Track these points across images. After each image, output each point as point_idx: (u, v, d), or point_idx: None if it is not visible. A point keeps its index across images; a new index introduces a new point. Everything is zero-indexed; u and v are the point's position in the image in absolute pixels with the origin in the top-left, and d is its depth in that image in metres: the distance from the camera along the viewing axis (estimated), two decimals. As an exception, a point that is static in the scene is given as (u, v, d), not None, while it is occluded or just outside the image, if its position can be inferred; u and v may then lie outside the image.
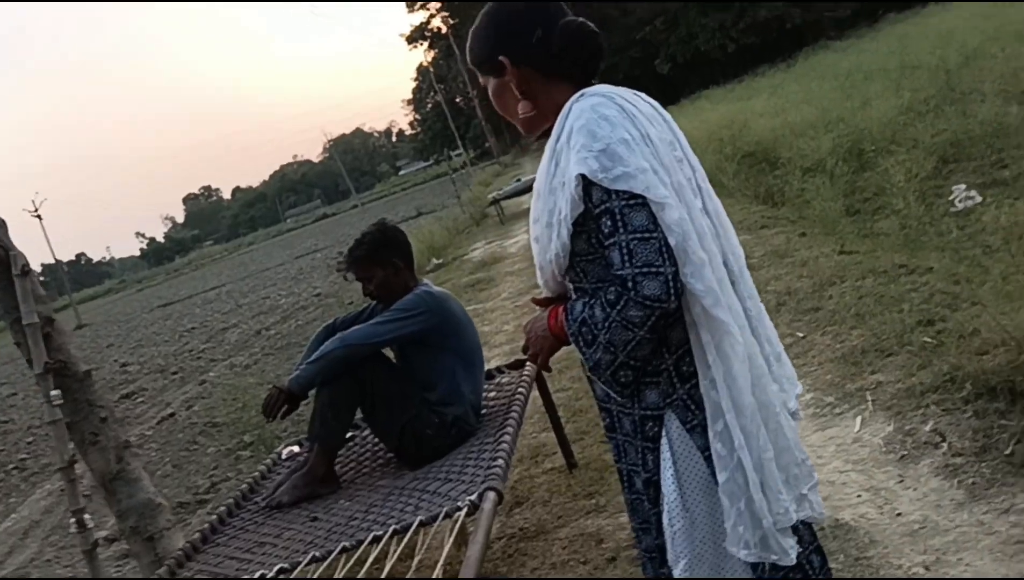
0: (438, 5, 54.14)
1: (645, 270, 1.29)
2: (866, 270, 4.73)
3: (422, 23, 56.03)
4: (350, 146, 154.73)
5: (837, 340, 3.91)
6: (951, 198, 6.20)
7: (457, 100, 64.53)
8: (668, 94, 42.73)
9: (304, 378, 2.92)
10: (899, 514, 2.45)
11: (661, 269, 1.30)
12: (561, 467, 3.65)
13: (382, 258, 3.09)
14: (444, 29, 53.65)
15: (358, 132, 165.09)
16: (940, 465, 2.60)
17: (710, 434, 1.40)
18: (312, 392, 2.98)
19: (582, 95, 1.43)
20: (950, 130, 7.80)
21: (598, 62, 1.53)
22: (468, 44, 1.59)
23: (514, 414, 2.91)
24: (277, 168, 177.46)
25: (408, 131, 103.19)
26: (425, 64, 65.99)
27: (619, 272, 1.32)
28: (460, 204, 22.39)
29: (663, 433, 1.44)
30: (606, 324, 1.35)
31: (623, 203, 1.32)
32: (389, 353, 3.17)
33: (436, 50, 57.66)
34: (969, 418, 2.75)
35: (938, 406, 2.91)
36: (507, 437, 2.68)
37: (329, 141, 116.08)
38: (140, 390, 11.46)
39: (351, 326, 3.17)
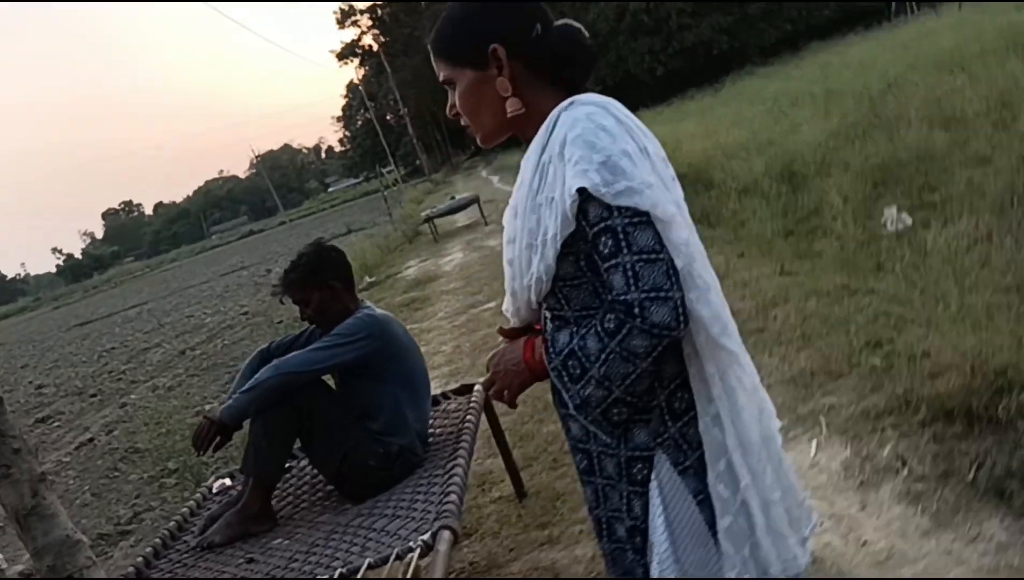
0: (369, 23, 53.81)
1: (653, 295, 1.16)
2: (809, 291, 4.74)
3: (353, 40, 55.76)
4: (278, 162, 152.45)
5: (785, 362, 3.88)
6: (883, 221, 6.31)
7: (388, 117, 64.18)
8: (599, 116, 43.28)
9: (237, 408, 2.72)
10: (864, 542, 2.38)
11: (670, 293, 1.17)
12: (510, 496, 3.51)
13: (320, 280, 2.91)
14: (375, 47, 53.34)
15: (286, 148, 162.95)
16: (902, 491, 2.55)
17: (710, 475, 1.28)
18: (246, 422, 2.79)
19: (572, 103, 1.29)
20: (878, 154, 7.97)
21: (590, 72, 1.40)
22: (438, 30, 1.40)
23: (464, 444, 2.76)
24: (202, 183, 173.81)
25: (338, 148, 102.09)
26: (355, 81, 65.57)
27: (623, 297, 1.18)
28: (392, 221, 22.12)
29: (653, 476, 1.31)
30: (602, 356, 1.21)
31: (627, 221, 1.19)
32: (329, 379, 2.99)
33: (367, 67, 57.33)
34: (927, 442, 2.71)
35: (894, 430, 2.88)
36: (459, 469, 2.53)
37: (257, 157, 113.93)
38: (56, 414, 10.91)
39: (287, 351, 2.99)
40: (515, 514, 3.35)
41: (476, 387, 3.32)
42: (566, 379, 1.27)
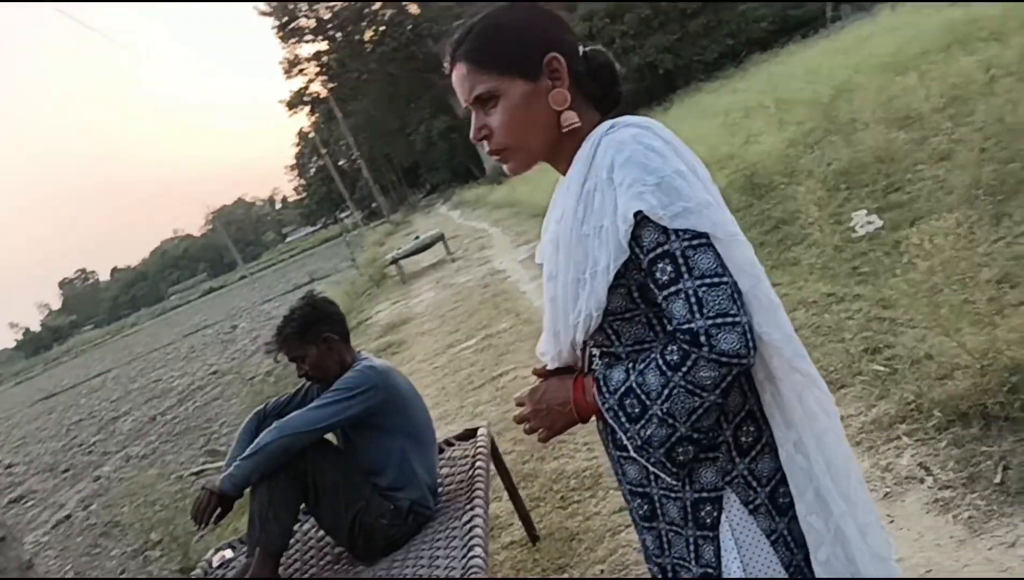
0: (316, 70, 53.80)
1: (719, 321, 1.10)
2: (795, 301, 4.73)
3: (301, 88, 55.46)
4: (233, 216, 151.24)
5: (783, 376, 3.83)
6: (852, 224, 6.35)
7: (341, 163, 64.03)
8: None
9: (239, 476, 2.60)
10: (900, 559, 2.32)
11: (737, 319, 1.10)
12: (523, 540, 3.40)
13: (315, 334, 2.82)
14: (323, 93, 53.28)
15: (240, 202, 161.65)
16: (928, 500, 2.50)
17: (799, 507, 1.22)
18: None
19: (613, 126, 1.23)
20: (839, 159, 8.06)
21: (619, 99, 1.35)
22: (478, 38, 1.28)
23: (479, 494, 2.66)
24: (157, 244, 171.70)
25: (293, 197, 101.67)
26: (306, 129, 65.38)
27: (687, 325, 1.11)
28: (356, 266, 21.94)
29: (723, 518, 1.23)
30: (665, 391, 1.14)
31: (686, 243, 1.13)
32: (331, 436, 2.88)
33: (317, 114, 57.18)
34: (947, 447, 2.67)
35: (910, 437, 2.84)
36: (478, 519, 2.44)
37: (211, 213, 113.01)
38: (29, 492, 10.58)
39: (283, 412, 2.88)
40: (531, 559, 3.24)
41: (480, 431, 3.22)
42: (623, 420, 1.20)
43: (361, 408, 2.68)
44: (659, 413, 1.16)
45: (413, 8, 51.41)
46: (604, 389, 1.23)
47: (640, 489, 1.33)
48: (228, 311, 32.79)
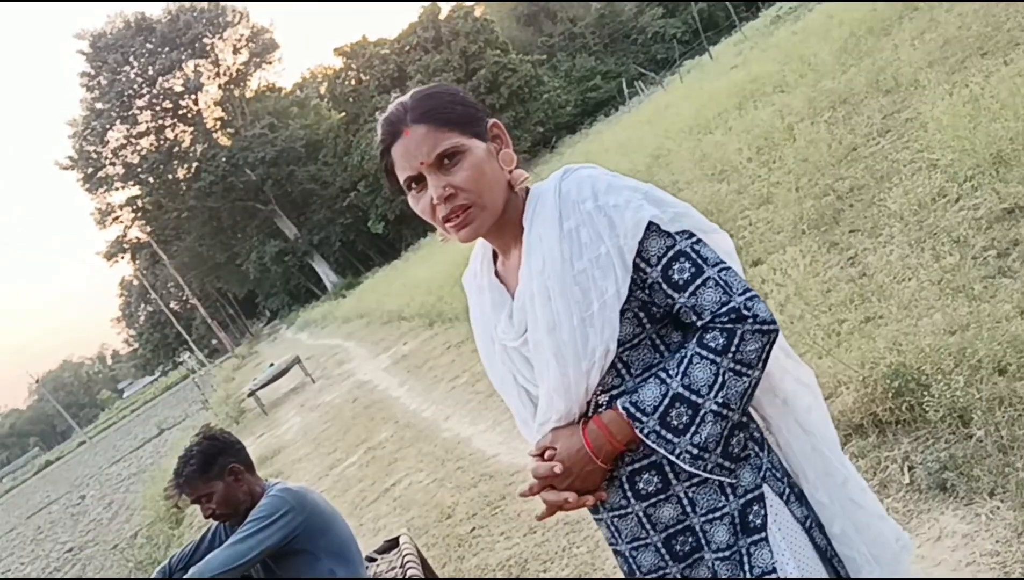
0: (132, 216, 51.83)
1: (750, 294, 1.18)
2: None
3: (119, 237, 53.10)
4: (61, 382, 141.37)
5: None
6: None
7: (172, 305, 61.50)
8: (387, 252, 43.95)
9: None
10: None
11: (756, 293, 1.19)
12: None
13: (220, 469, 2.63)
14: (143, 238, 51.31)
15: (66, 364, 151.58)
16: (850, 514, 2.60)
17: (805, 487, 1.28)
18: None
19: (565, 172, 1.30)
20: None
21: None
22: (438, 99, 1.28)
23: (419, 607, 2.53)
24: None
25: (124, 349, 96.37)
26: (129, 277, 62.59)
27: (726, 306, 1.17)
28: (209, 407, 20.89)
29: (770, 516, 1.23)
30: (718, 379, 1.17)
31: (690, 241, 1.21)
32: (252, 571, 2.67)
33: (139, 260, 54.87)
34: (852, 460, 2.79)
35: (815, 458, 2.96)
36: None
37: (36, 381, 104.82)
38: None
39: (191, 562, 2.66)
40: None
41: (402, 539, 3.09)
42: (670, 436, 1.19)
43: (282, 535, 2.51)
44: (714, 407, 1.17)
45: (224, 140, 50.93)
46: (639, 413, 1.20)
47: (680, 525, 1.28)
48: (72, 482, 30.25)
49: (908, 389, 2.73)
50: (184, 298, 54.80)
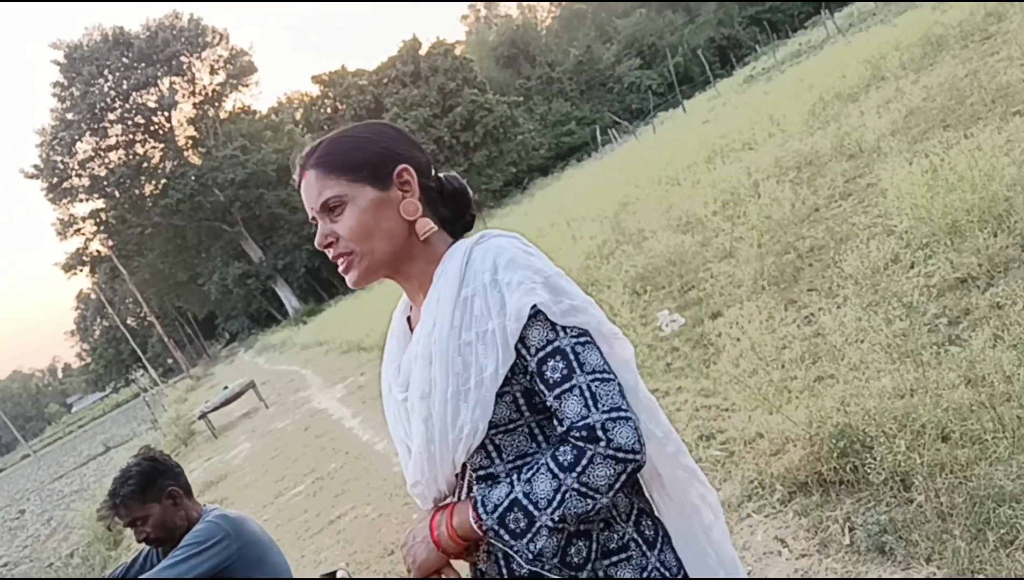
0: (94, 229, 51.07)
1: (615, 415, 1.09)
2: (624, 402, 4.89)
3: (79, 249, 52.21)
4: (8, 392, 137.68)
5: (627, 474, 3.92)
6: (659, 324, 6.75)
7: (129, 321, 60.49)
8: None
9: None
10: (777, 634, 2.39)
11: (628, 414, 1.10)
12: None
13: (158, 491, 2.56)
14: (104, 252, 50.52)
15: (16, 374, 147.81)
16: (790, 572, 2.61)
17: None
18: None
19: (482, 236, 1.25)
20: (635, 266, 8.61)
21: (471, 224, 1.37)
22: (332, 145, 1.27)
23: (351, 646, 2.48)
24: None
25: (76, 363, 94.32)
26: (87, 291, 61.53)
27: (583, 421, 1.09)
28: (158, 428, 20.45)
29: None
30: (557, 497, 1.10)
31: (575, 340, 1.13)
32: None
33: (98, 274, 53.96)
34: (794, 518, 2.82)
35: (759, 513, 2.97)
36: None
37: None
38: None
39: (126, 583, 2.58)
40: None
41: (339, 574, 3.02)
42: (507, 537, 1.15)
43: (215, 562, 2.44)
44: (549, 523, 1.12)
45: (195, 159, 50.61)
46: (482, 509, 1.16)
47: None
48: (12, 495, 29.37)
49: (853, 450, 2.76)
50: (142, 315, 54.00)
